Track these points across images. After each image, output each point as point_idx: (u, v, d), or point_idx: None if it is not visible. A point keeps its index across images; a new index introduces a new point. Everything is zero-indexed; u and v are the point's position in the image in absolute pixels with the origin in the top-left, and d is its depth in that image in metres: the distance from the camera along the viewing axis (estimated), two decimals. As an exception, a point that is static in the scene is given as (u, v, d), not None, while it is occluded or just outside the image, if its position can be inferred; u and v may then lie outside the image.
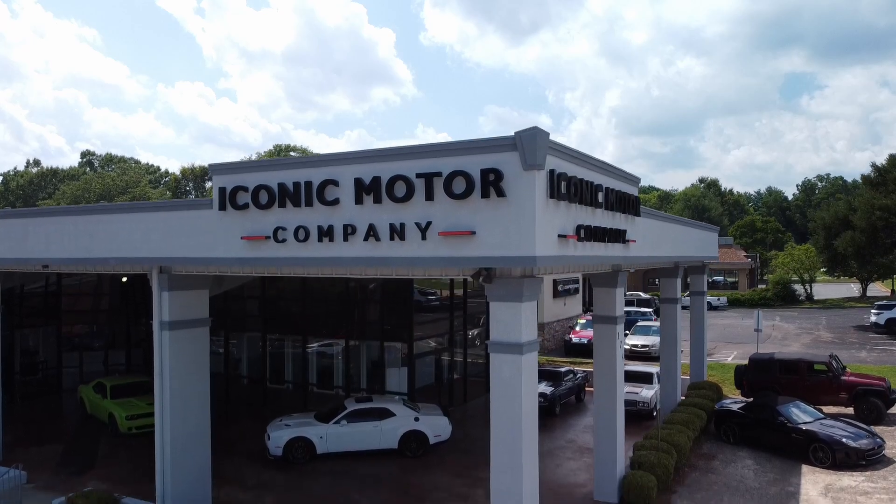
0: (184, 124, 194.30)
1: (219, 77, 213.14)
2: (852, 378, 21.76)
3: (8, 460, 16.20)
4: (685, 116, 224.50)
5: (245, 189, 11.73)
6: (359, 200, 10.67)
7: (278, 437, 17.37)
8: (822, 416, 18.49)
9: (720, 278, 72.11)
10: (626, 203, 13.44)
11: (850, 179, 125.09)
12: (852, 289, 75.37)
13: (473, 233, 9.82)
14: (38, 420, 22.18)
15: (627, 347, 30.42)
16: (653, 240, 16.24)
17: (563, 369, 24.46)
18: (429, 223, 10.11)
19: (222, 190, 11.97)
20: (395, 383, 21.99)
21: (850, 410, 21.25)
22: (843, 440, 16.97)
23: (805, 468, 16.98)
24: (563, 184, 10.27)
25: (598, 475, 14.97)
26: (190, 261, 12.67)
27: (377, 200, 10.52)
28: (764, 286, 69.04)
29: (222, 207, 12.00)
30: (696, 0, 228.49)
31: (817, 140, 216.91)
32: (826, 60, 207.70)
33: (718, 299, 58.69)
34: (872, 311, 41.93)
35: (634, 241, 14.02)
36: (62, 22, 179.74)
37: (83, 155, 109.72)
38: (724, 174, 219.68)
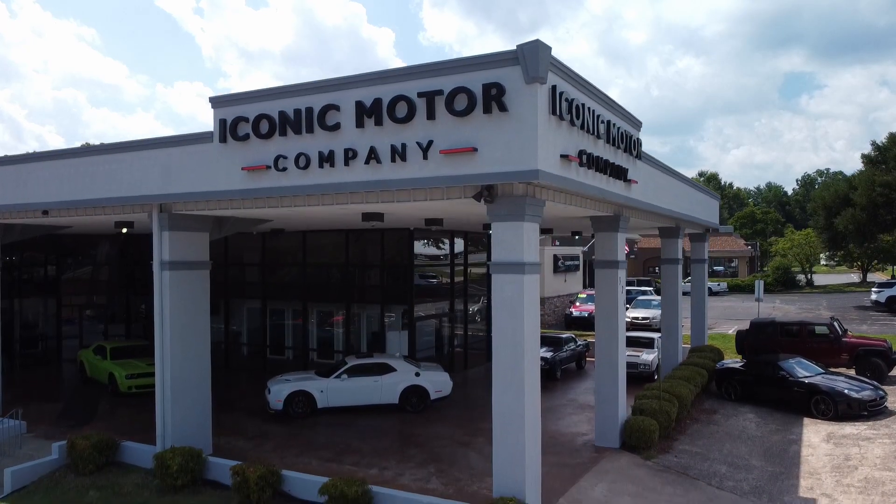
0: (183, 124, 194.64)
1: (218, 77, 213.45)
2: (853, 339, 21.74)
3: (7, 413, 16.12)
4: (684, 116, 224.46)
5: (246, 119, 11.67)
6: (360, 124, 10.61)
7: (278, 390, 17.31)
8: (823, 370, 18.45)
9: (721, 268, 72.09)
10: (629, 142, 13.39)
11: (849, 174, 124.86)
12: (852, 278, 75.38)
13: (475, 149, 9.76)
14: (38, 384, 22.11)
15: (629, 319, 30.37)
16: (654, 189, 16.19)
17: (564, 336, 24.44)
18: (430, 142, 10.06)
19: (223, 122, 11.91)
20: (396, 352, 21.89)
21: (852, 372, 21.18)
22: (846, 391, 16.92)
23: (807, 420, 16.94)
24: (565, 104, 10.22)
25: (598, 421, 14.92)
26: (190, 196, 12.61)
27: (378, 123, 10.47)
28: (764, 272, 68.97)
29: (223, 140, 11.95)
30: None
31: (816, 140, 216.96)
32: (825, 60, 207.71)
33: (719, 284, 58.68)
34: (873, 289, 41.97)
35: (636, 183, 13.99)
36: (61, 22, 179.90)
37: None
38: (723, 173, 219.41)
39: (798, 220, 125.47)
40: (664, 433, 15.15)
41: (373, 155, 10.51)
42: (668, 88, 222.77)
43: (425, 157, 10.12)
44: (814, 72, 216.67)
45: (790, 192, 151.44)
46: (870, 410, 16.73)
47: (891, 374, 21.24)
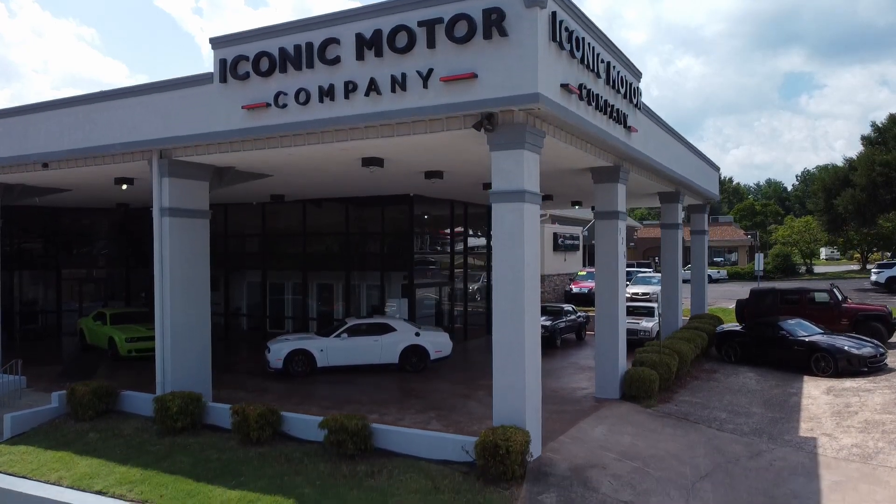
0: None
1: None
2: (853, 305, 21.73)
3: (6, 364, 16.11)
4: (684, 116, 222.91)
5: (246, 58, 11.67)
6: (360, 56, 10.61)
7: (278, 349, 17.29)
8: (823, 331, 18.44)
9: (720, 258, 71.97)
10: (629, 89, 13.38)
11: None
12: (852, 267, 75.35)
13: (475, 75, 9.77)
14: (38, 352, 22.06)
15: (628, 295, 30.32)
16: (655, 144, 16.19)
17: (565, 306, 24.46)
18: (430, 70, 10.06)
19: (223, 62, 11.91)
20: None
21: (852, 338, 21.16)
22: (846, 348, 16.91)
23: (807, 377, 16.90)
24: (565, 33, 10.23)
25: (599, 373, 14.89)
26: (190, 138, 12.60)
27: (378, 54, 10.47)
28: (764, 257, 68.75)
29: (223, 80, 11.95)
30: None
31: (816, 139, 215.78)
32: (825, 60, 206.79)
33: (718, 272, 58.59)
34: (873, 270, 41.94)
35: (636, 132, 13.99)
36: (60, 21, 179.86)
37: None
38: (723, 173, 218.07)
39: (798, 214, 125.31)
40: (664, 385, 15.14)
41: (373, 86, 10.51)
42: (668, 88, 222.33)
43: (425, 86, 10.12)
44: (813, 72, 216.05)
45: (790, 188, 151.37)
46: (870, 367, 16.71)
47: (891, 340, 21.21)
